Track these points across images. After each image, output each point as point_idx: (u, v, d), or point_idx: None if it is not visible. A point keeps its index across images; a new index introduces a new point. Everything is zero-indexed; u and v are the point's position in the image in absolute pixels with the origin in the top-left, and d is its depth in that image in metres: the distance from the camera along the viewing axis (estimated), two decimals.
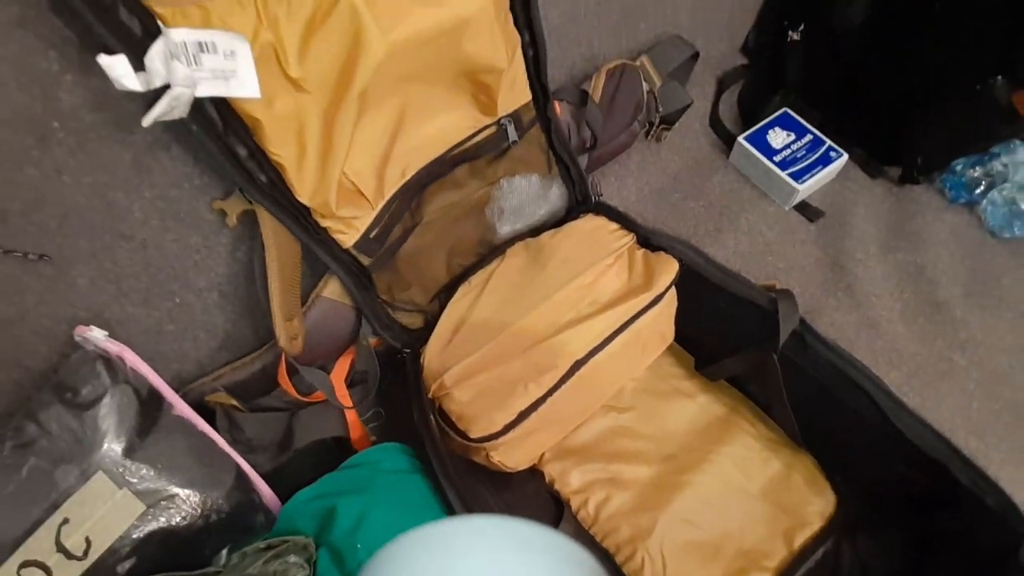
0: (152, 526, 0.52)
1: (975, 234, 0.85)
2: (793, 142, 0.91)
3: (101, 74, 0.44)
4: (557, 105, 0.71)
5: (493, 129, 0.65)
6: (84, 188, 0.49)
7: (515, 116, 0.65)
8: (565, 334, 0.62)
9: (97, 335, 0.52)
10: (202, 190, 0.55)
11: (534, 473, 0.71)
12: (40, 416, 0.50)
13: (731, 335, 0.69)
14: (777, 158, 0.90)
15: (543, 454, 0.71)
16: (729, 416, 0.73)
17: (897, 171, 0.91)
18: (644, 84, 0.79)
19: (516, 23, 0.59)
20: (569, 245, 0.69)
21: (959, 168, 0.87)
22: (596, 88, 0.74)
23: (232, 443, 0.59)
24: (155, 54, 0.40)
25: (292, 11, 0.45)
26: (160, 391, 0.55)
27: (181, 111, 0.42)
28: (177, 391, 0.58)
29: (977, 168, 0.86)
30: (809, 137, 0.92)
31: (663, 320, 0.70)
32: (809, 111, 0.95)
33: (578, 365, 0.62)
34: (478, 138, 0.65)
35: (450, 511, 0.56)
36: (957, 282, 0.82)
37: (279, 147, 0.50)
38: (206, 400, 0.61)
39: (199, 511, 0.55)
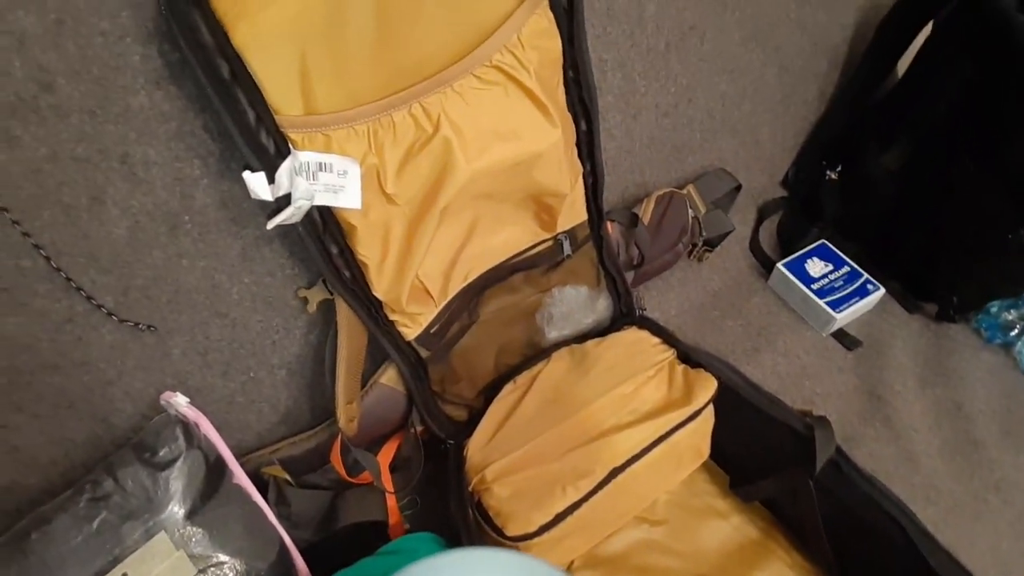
0: None
1: (1011, 375, 0.86)
2: (831, 272, 0.96)
3: (231, 179, 0.53)
4: (609, 225, 0.78)
5: (550, 243, 0.71)
6: (197, 271, 0.56)
7: (571, 233, 0.72)
8: (604, 440, 0.64)
9: (180, 401, 0.58)
10: (292, 279, 0.62)
11: None
12: (118, 472, 0.54)
13: (767, 456, 0.71)
14: (815, 286, 0.94)
15: (573, 560, 0.71)
16: (763, 540, 0.73)
17: (934, 307, 0.94)
18: (690, 210, 0.85)
19: (580, 155, 0.67)
20: (612, 355, 0.73)
21: (994, 310, 0.90)
22: (646, 211, 0.81)
23: (278, 516, 0.62)
24: (284, 170, 0.48)
25: (396, 140, 0.53)
26: (225, 459, 0.59)
27: (297, 218, 0.49)
28: (237, 459, 0.62)
29: (1012, 311, 0.88)
30: (846, 269, 0.96)
31: (699, 436, 0.72)
32: (846, 244, 1.00)
33: (615, 472, 0.64)
34: (536, 250, 0.71)
35: None
36: (994, 421, 0.82)
37: (366, 249, 0.56)
38: (261, 471, 0.64)
39: None
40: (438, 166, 0.55)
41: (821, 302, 0.92)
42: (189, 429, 0.58)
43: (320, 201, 0.50)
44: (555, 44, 0.58)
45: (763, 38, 0.86)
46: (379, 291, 0.60)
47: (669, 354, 0.72)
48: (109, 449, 0.59)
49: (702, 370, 0.70)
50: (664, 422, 0.66)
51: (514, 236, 0.69)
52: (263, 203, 0.56)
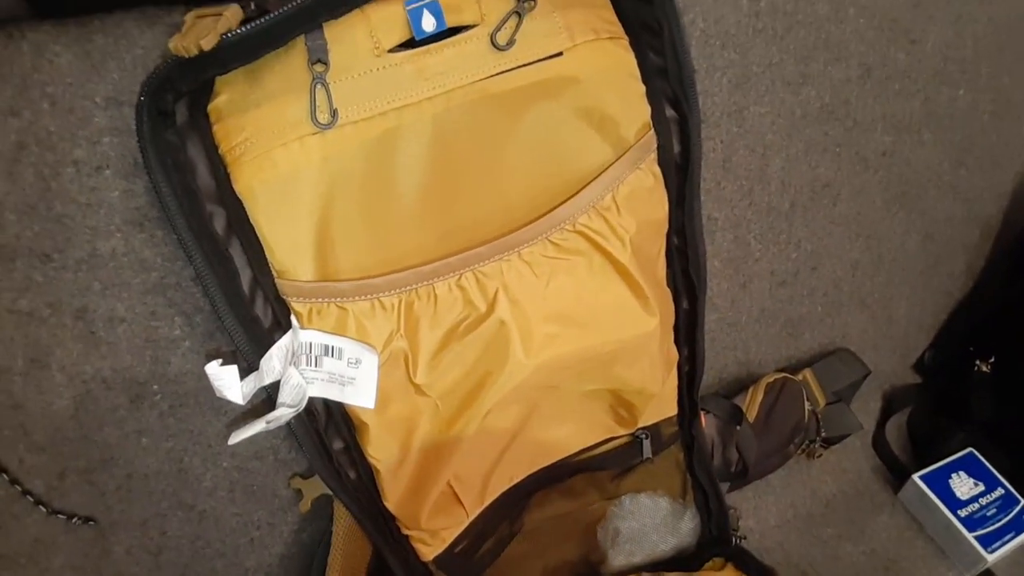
0: None
1: None
2: (981, 495, 0.74)
3: (221, 341, 0.41)
4: (703, 417, 0.60)
5: (626, 439, 0.55)
6: (160, 453, 0.43)
7: (654, 430, 0.55)
8: None
9: None
10: (285, 465, 0.48)
11: None
12: None
13: None
14: (963, 512, 0.72)
15: None
16: None
17: None
18: (807, 403, 0.67)
19: (677, 340, 0.51)
20: None
21: None
22: (752, 404, 0.64)
23: None
24: (276, 351, 0.35)
25: (436, 319, 0.39)
26: None
27: (279, 425, 0.35)
28: None
29: None
30: (1000, 491, 0.74)
31: None
32: (998, 454, 0.78)
33: None
34: (606, 447, 0.54)
35: None
36: None
37: (379, 451, 0.42)
38: None
39: None
40: (487, 357, 0.41)
41: (971, 536, 0.70)
42: None
43: (317, 393, 0.37)
44: (660, 207, 0.44)
45: (909, 201, 0.70)
46: (391, 502, 0.44)
47: None
48: None
49: None
50: None
51: (580, 431, 0.53)
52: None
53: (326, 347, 0.36)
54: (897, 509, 0.77)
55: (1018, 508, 0.73)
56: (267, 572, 0.51)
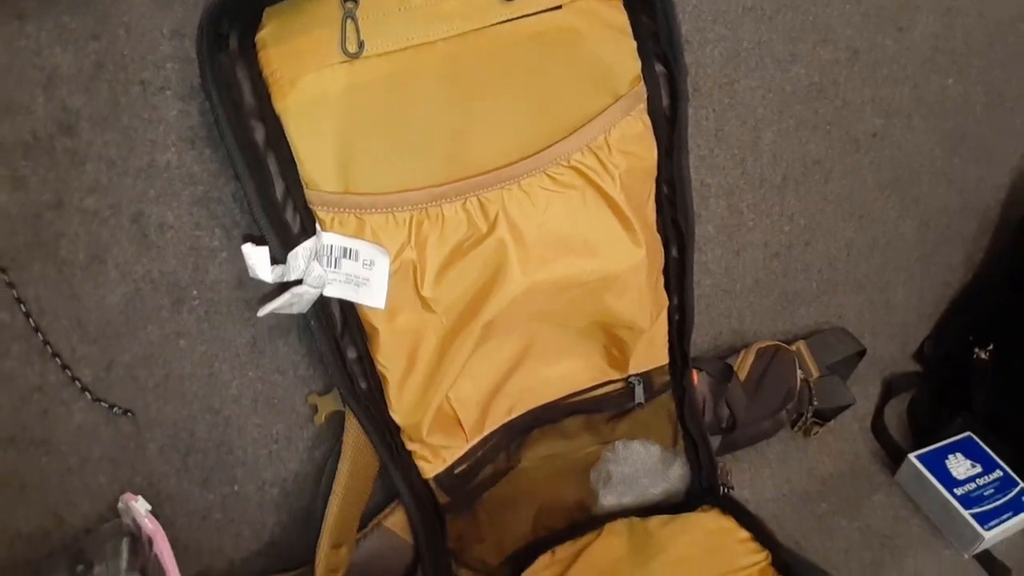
0: None
1: None
2: (979, 475, 0.75)
3: None
4: (695, 374, 0.64)
5: (619, 385, 0.58)
6: (195, 355, 0.48)
7: (646, 377, 0.59)
8: None
9: (140, 508, 0.47)
10: (304, 381, 0.53)
11: None
12: None
13: None
14: (959, 491, 0.73)
15: None
16: None
17: None
18: (799, 371, 0.70)
19: (667, 286, 0.55)
20: (684, 544, 0.56)
21: None
22: (743, 365, 0.67)
23: None
24: (301, 251, 0.40)
25: (443, 237, 0.44)
26: None
27: (300, 307, 0.40)
28: None
29: None
30: (999, 473, 0.75)
31: None
32: (999, 444, 0.79)
33: None
34: (601, 391, 0.58)
35: None
36: None
37: (388, 359, 0.46)
38: None
39: None
40: (488, 272, 0.45)
41: (967, 514, 0.71)
42: (137, 545, 0.47)
43: (335, 293, 0.42)
44: (649, 153, 0.49)
45: (902, 187, 0.74)
46: (397, 412, 0.49)
47: (761, 558, 0.54)
48: (57, 550, 0.49)
49: None
50: None
51: (575, 371, 0.57)
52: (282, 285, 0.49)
53: (344, 249, 0.41)
54: (894, 490, 0.78)
55: (1017, 489, 0.74)
56: (282, 486, 0.56)
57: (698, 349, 0.70)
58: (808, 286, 0.74)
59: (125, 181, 0.42)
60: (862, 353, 0.77)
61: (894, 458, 0.79)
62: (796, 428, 0.80)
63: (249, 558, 0.57)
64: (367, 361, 0.48)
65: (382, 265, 0.42)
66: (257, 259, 0.39)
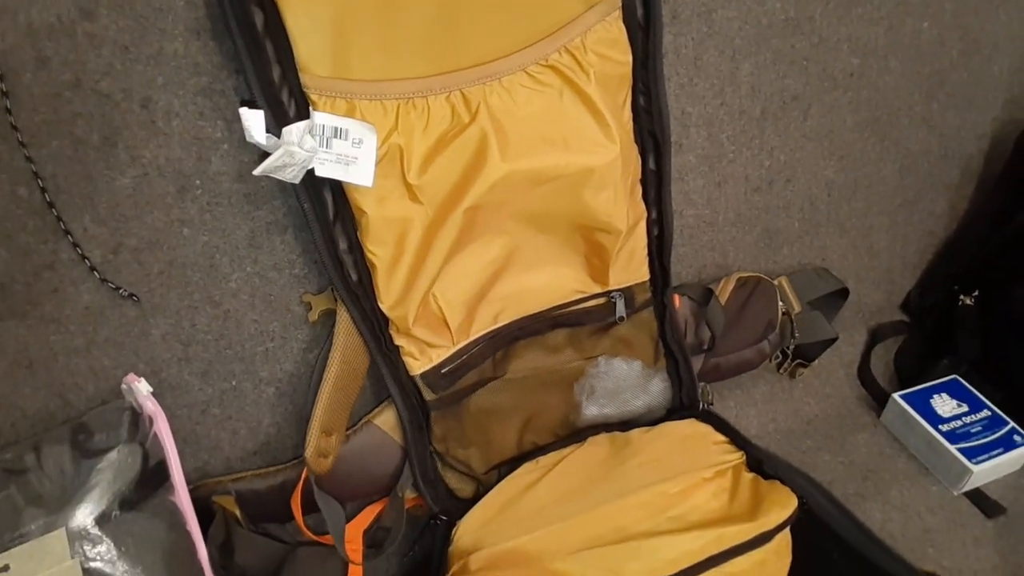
0: None
1: None
2: (965, 414, 0.76)
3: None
4: (677, 298, 0.66)
5: (602, 300, 0.61)
6: (197, 245, 0.51)
7: (627, 292, 0.61)
8: (631, 546, 0.48)
9: (142, 388, 0.50)
10: (299, 280, 0.55)
11: None
12: (44, 448, 0.47)
13: None
14: (944, 427, 0.74)
15: None
16: None
17: None
18: (780, 303, 0.72)
19: (646, 198, 0.58)
20: (661, 446, 0.58)
21: None
22: (724, 290, 0.69)
23: (216, 562, 0.50)
24: (296, 128, 0.44)
25: (428, 128, 0.48)
26: (170, 468, 0.50)
27: (294, 173, 0.43)
28: (190, 482, 0.52)
29: None
30: (987, 412, 0.76)
31: (769, 574, 0.53)
32: (986, 387, 0.80)
33: None
34: (584, 305, 0.60)
35: None
36: None
37: (377, 246, 0.49)
38: (213, 500, 0.54)
39: None
40: (469, 160, 0.48)
41: (953, 448, 0.71)
42: (138, 421, 0.50)
43: (326, 172, 0.45)
44: (623, 58, 0.52)
45: (881, 128, 0.76)
46: (386, 302, 0.52)
47: (736, 457, 0.56)
48: (54, 427, 0.52)
49: (778, 483, 0.53)
50: (717, 538, 0.49)
51: (558, 281, 0.59)
52: (282, 185, 0.52)
53: (335, 129, 0.44)
54: (879, 430, 0.79)
55: (1005, 429, 0.74)
56: (277, 386, 0.58)
57: (682, 281, 0.73)
58: (790, 224, 0.76)
59: (136, 67, 0.46)
60: (845, 293, 0.79)
61: (880, 402, 0.81)
62: (781, 370, 0.82)
63: (245, 457, 0.59)
64: (357, 251, 0.51)
65: (370, 143, 0.45)
66: (253, 121, 0.42)
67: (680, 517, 0.51)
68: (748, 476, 0.55)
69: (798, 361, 0.80)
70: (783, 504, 0.51)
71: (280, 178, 0.43)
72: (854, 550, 0.49)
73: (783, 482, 0.53)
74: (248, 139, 0.42)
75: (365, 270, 0.51)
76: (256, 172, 0.42)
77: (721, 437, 0.58)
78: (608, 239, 0.56)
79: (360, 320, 0.53)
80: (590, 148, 0.51)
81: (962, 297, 0.84)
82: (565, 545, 0.49)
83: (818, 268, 0.79)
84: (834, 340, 0.76)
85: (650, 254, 0.61)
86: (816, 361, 0.81)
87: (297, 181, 0.44)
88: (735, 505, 0.52)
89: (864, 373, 0.84)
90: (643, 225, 0.59)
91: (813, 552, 0.52)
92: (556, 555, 0.48)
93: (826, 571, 0.51)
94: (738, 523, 0.49)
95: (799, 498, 0.51)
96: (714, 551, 0.48)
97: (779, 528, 0.50)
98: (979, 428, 0.74)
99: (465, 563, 0.49)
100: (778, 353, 0.80)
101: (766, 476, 0.55)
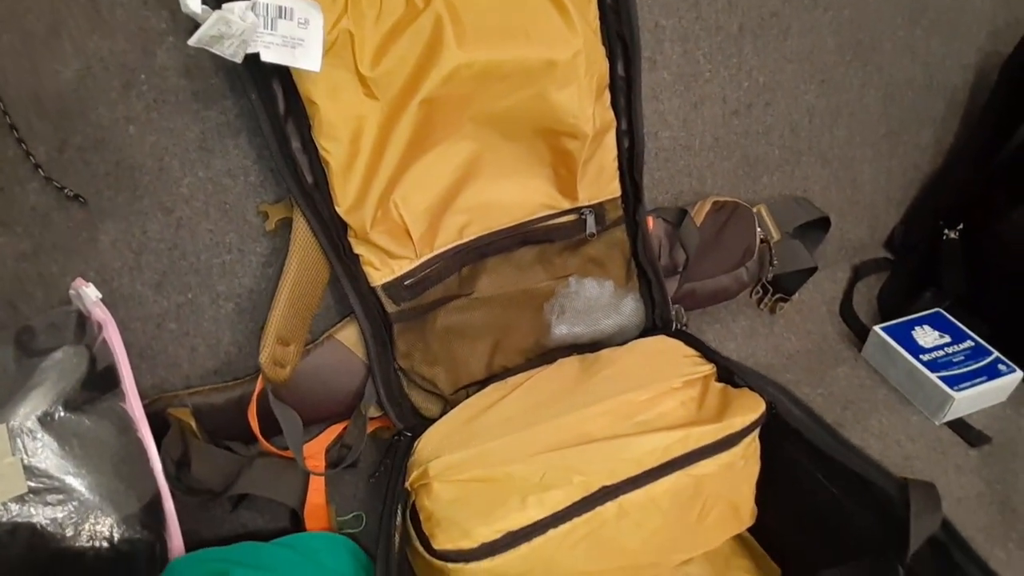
0: (23, 518, 0.42)
1: None
2: (947, 345, 0.74)
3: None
4: (651, 220, 0.64)
5: (572, 217, 0.59)
6: (145, 145, 0.50)
7: (598, 209, 0.59)
8: (595, 446, 0.47)
9: (91, 293, 0.49)
10: (255, 189, 0.54)
11: None
12: None
13: (838, 536, 0.49)
14: (925, 357, 0.73)
15: None
16: None
17: None
18: (759, 230, 0.70)
19: (615, 105, 0.56)
20: (631, 359, 0.57)
21: None
22: (699, 212, 0.67)
23: (170, 474, 0.49)
24: (236, 6, 0.42)
25: (381, 16, 0.46)
26: (120, 375, 0.48)
27: (233, 49, 0.41)
28: (147, 398, 0.51)
29: None
30: (970, 343, 0.74)
31: (737, 483, 0.51)
32: (971, 321, 0.78)
33: (603, 496, 0.46)
34: (553, 221, 0.59)
35: None
36: None
37: (331, 142, 0.48)
38: (168, 412, 0.53)
39: (86, 527, 0.44)
40: (423, 48, 0.46)
41: (933, 376, 0.70)
42: (86, 325, 0.48)
43: (272, 57, 0.43)
44: None
45: (864, 52, 0.74)
46: (342, 205, 0.50)
47: (706, 368, 0.55)
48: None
49: (747, 389, 0.52)
50: (682, 439, 0.48)
51: (525, 194, 0.57)
52: (232, 84, 0.50)
53: (280, 8, 0.42)
54: (859, 364, 0.78)
55: (989, 358, 0.72)
56: (236, 302, 0.57)
57: (658, 204, 0.71)
58: (770, 152, 0.75)
59: None
60: (826, 224, 0.77)
61: (861, 338, 0.79)
62: (761, 305, 0.81)
63: (205, 375, 0.58)
64: (312, 150, 0.49)
65: (316, 23, 0.43)
66: None
67: (646, 423, 0.49)
68: (718, 386, 0.53)
69: (778, 295, 0.79)
70: (751, 408, 0.49)
71: (219, 53, 0.41)
72: (824, 454, 0.48)
73: (752, 389, 0.52)
74: (183, 9, 0.40)
75: (320, 171, 0.50)
76: (191, 42, 0.40)
77: (691, 351, 0.57)
78: (574, 145, 0.54)
79: (317, 225, 0.51)
80: (551, 40, 0.49)
81: (947, 231, 0.82)
82: (527, 448, 0.48)
83: (799, 197, 0.77)
84: (814, 270, 0.75)
85: (620, 168, 0.59)
86: (797, 297, 0.80)
87: (239, 59, 0.42)
88: (703, 412, 0.51)
89: (846, 309, 0.83)
90: (612, 135, 0.57)
91: (783, 459, 0.51)
92: (515, 459, 0.47)
93: (796, 477, 0.50)
94: (704, 425, 0.48)
95: (768, 403, 0.50)
96: (678, 452, 0.47)
97: (746, 431, 0.49)
98: (962, 358, 0.73)
99: (424, 469, 0.48)
100: (758, 288, 0.79)
101: (737, 387, 0.53)
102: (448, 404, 0.59)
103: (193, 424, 0.52)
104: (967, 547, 0.42)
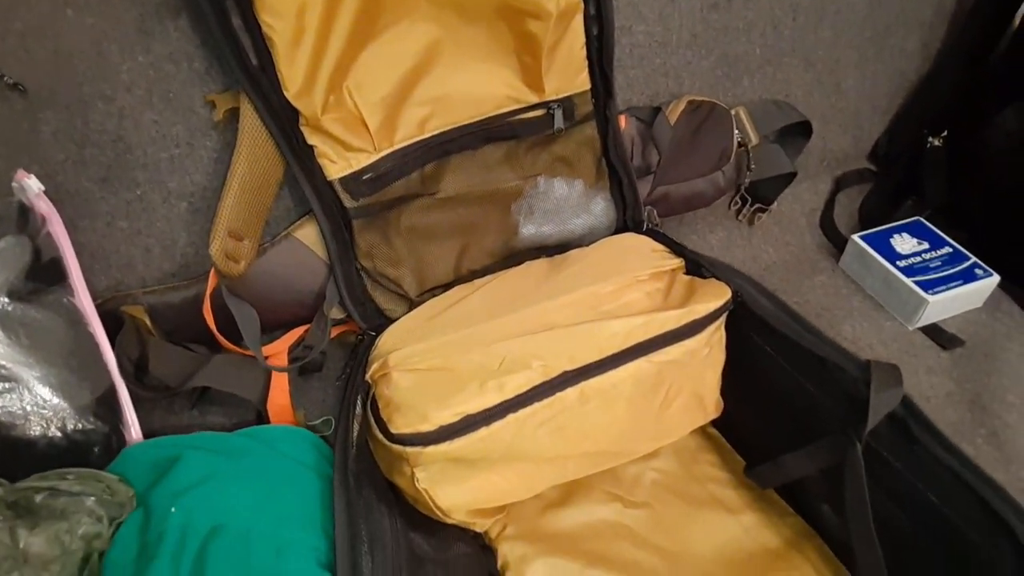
0: None
1: None
2: (925, 251, 0.73)
3: None
4: (623, 118, 0.62)
5: (539, 112, 0.57)
6: (84, 29, 0.47)
7: (566, 103, 0.57)
8: (557, 332, 0.46)
9: (32, 185, 0.47)
10: (200, 78, 0.51)
11: (482, 547, 0.51)
12: None
13: (803, 424, 0.49)
14: (902, 263, 0.72)
15: (502, 526, 0.51)
16: (784, 551, 0.49)
17: None
18: (736, 132, 0.68)
19: None
20: (598, 254, 0.55)
21: None
22: (673, 111, 0.65)
23: (127, 372, 0.48)
24: None
25: None
26: (67, 268, 0.47)
27: None
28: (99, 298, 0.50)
29: None
30: (948, 249, 0.73)
31: (701, 372, 0.51)
32: (952, 231, 0.77)
33: (564, 381, 0.45)
34: (519, 116, 0.56)
35: (332, 525, 0.40)
36: None
37: (273, 17, 0.45)
38: (121, 309, 0.51)
39: (36, 416, 0.43)
40: None
41: (908, 281, 0.69)
42: (29, 217, 0.47)
43: None
44: None
45: None
46: (290, 89, 0.47)
47: (675, 262, 0.54)
48: None
49: (714, 280, 0.51)
50: (645, 324, 0.47)
51: (489, 85, 0.55)
52: None
53: None
54: (836, 274, 0.77)
55: (967, 263, 0.71)
56: (190, 201, 0.55)
57: (630, 105, 0.68)
58: (751, 50, 0.72)
59: None
60: (808, 130, 0.75)
61: (840, 250, 0.78)
62: (740, 217, 0.79)
63: (162, 278, 0.56)
64: (254, 27, 0.46)
65: None
66: None
67: (610, 312, 0.49)
68: (685, 278, 0.52)
69: (757, 206, 0.77)
70: (715, 295, 0.48)
71: None
72: (789, 340, 0.47)
73: (719, 280, 0.51)
74: None
75: (265, 52, 0.47)
76: None
77: (660, 246, 0.55)
78: (538, 26, 0.51)
79: (266, 112, 0.49)
80: None
81: (931, 139, 0.80)
82: (486, 340, 0.47)
83: (779, 100, 0.74)
84: (793, 175, 0.73)
85: (590, 59, 0.56)
86: (777, 208, 0.78)
87: None
88: (668, 302, 0.50)
89: (826, 221, 0.82)
90: (580, 20, 0.54)
91: (749, 350, 0.50)
92: (475, 348, 0.46)
93: (762, 367, 0.49)
94: (667, 311, 0.47)
95: (734, 292, 0.49)
96: (641, 338, 0.46)
97: (710, 318, 0.48)
98: (939, 263, 0.72)
99: (384, 361, 0.47)
100: (737, 199, 0.77)
101: (704, 279, 0.52)
102: (414, 307, 0.58)
103: (148, 321, 0.51)
104: (926, 421, 0.42)
